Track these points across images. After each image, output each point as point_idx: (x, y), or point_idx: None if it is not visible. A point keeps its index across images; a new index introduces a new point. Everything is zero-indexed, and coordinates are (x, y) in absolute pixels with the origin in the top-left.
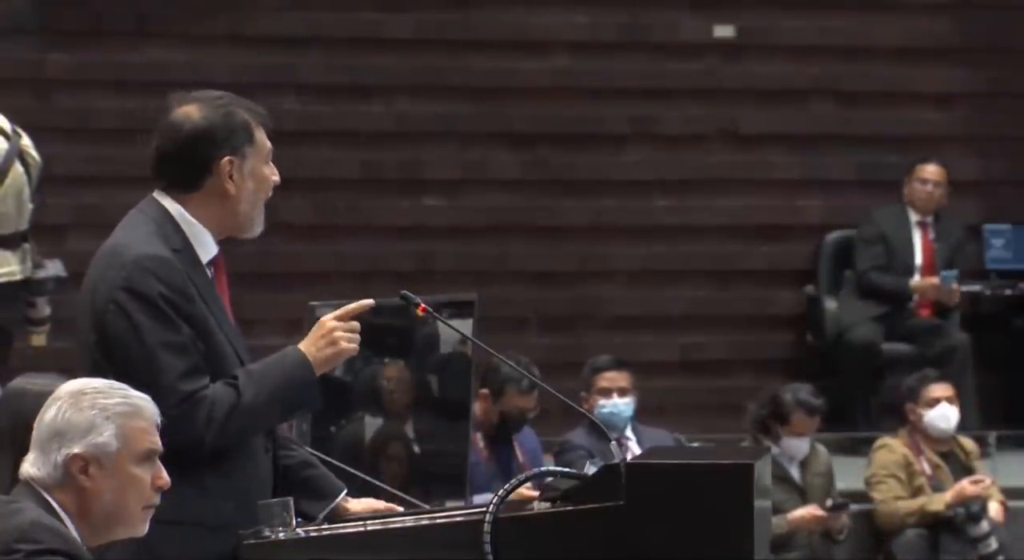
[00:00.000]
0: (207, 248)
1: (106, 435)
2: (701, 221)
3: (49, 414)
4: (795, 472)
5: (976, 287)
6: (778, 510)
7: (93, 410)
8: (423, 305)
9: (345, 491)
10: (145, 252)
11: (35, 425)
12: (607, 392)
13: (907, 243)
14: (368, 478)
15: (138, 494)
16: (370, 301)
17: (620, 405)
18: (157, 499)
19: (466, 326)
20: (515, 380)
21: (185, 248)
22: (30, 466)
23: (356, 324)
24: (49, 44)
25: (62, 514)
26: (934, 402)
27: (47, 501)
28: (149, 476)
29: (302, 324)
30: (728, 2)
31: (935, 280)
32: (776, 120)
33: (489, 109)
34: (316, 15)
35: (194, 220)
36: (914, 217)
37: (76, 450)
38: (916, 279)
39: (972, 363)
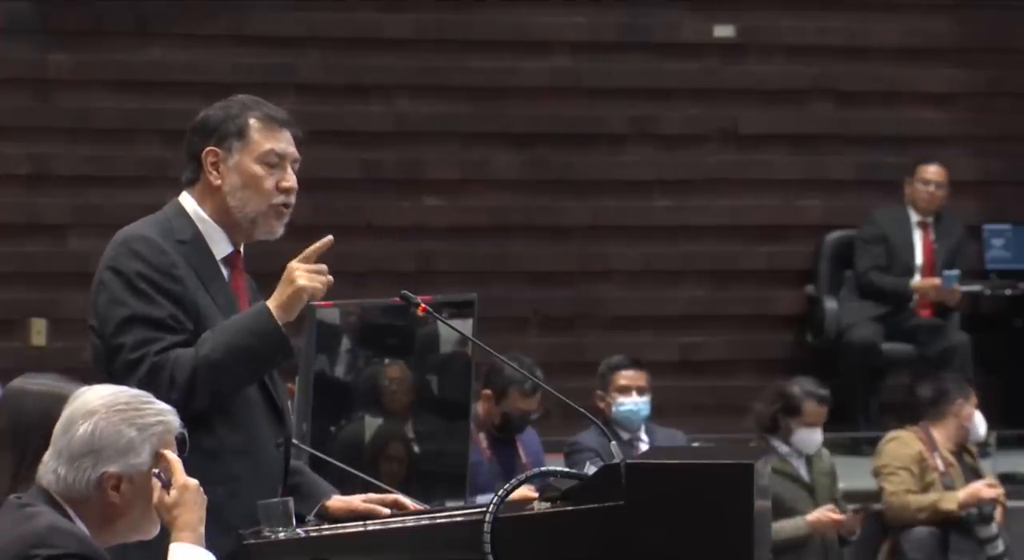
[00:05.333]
0: (219, 245)
1: (144, 455)
2: (701, 221)
3: (82, 428)
4: (803, 472)
5: (976, 287)
6: (792, 511)
7: (132, 430)
8: (423, 305)
9: (335, 495)
10: (132, 234)
11: (58, 433)
12: (627, 390)
13: (907, 243)
14: (368, 478)
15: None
16: (329, 237)
17: (640, 403)
18: None
19: (466, 326)
20: (518, 382)
21: (194, 241)
22: (50, 474)
23: (323, 266)
24: (49, 44)
25: (76, 520)
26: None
27: (62, 507)
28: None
29: (303, 324)
30: (728, 2)
31: (936, 280)
32: (776, 120)
33: (489, 109)
34: (316, 15)
35: (207, 217)
36: (915, 217)
37: (112, 469)
38: (916, 279)
39: (972, 363)
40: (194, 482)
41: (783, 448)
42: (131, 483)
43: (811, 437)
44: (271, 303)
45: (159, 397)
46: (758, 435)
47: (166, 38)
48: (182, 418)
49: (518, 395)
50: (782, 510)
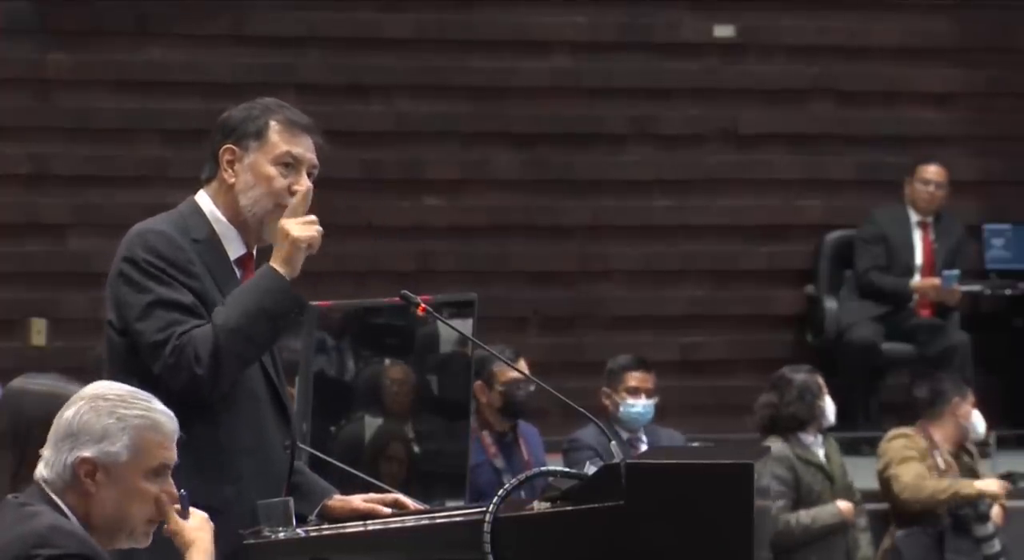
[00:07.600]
0: (234, 245)
1: (118, 445)
2: (701, 221)
3: (68, 413)
4: (824, 461)
5: (976, 287)
6: (819, 500)
7: (111, 418)
8: (423, 305)
9: (335, 494)
10: (149, 228)
11: (54, 423)
12: (636, 392)
13: (907, 243)
14: (368, 478)
15: (142, 507)
16: (309, 185)
17: (649, 406)
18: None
19: (466, 326)
20: (498, 360)
21: (209, 240)
22: (43, 467)
23: (312, 217)
24: (49, 44)
25: (72, 517)
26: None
27: (57, 504)
28: (157, 490)
29: (302, 324)
30: (728, 2)
31: (936, 280)
32: (776, 120)
33: (489, 109)
34: (316, 15)
35: (222, 217)
36: (915, 217)
37: (86, 454)
38: (916, 279)
39: (972, 363)
40: (204, 513)
41: (808, 438)
42: (107, 473)
43: (831, 405)
44: (273, 262)
45: (187, 376)
46: (777, 435)
47: (166, 38)
48: (209, 397)
49: (503, 369)
50: (810, 499)
